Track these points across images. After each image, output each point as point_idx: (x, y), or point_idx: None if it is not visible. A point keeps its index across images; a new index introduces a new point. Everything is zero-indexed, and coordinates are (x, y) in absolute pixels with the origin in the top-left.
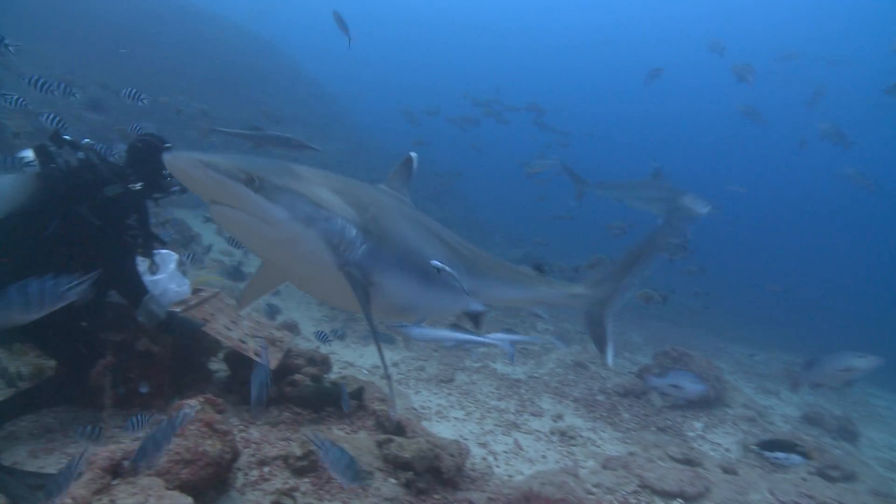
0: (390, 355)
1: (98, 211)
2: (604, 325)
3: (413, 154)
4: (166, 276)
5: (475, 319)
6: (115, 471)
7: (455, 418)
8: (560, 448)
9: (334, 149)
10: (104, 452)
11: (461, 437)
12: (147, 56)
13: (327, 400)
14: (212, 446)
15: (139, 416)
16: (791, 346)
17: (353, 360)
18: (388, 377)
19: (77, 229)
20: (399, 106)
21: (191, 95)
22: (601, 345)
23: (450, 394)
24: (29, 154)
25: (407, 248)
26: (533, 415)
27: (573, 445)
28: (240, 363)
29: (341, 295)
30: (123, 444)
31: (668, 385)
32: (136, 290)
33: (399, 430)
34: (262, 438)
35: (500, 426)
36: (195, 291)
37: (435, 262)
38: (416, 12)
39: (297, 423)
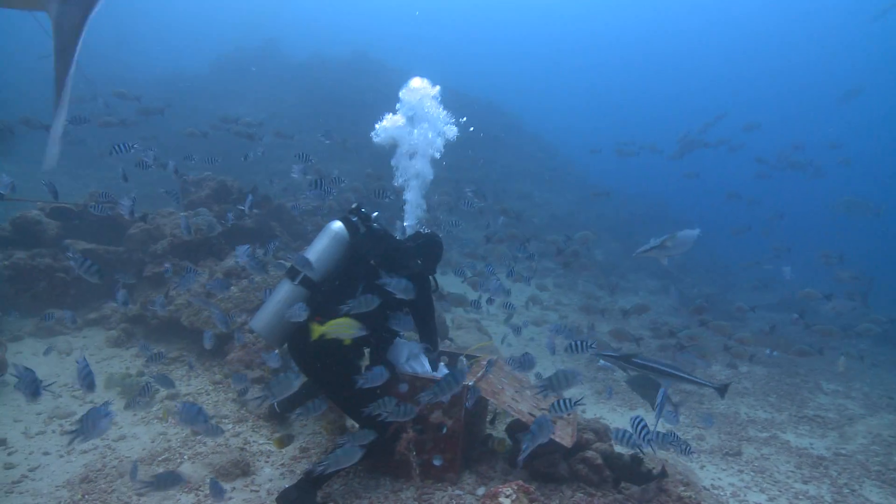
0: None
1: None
2: None
3: None
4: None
5: None
6: None
7: None
8: None
9: (565, 199)
10: None
11: None
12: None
13: (623, 476)
14: None
15: None
16: None
17: (624, 426)
18: None
19: (382, 293)
20: (614, 144)
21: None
22: None
23: (741, 471)
24: (337, 224)
25: None
26: None
27: None
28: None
29: None
30: None
31: None
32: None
33: None
34: None
35: None
36: (471, 358)
37: None
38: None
39: None
